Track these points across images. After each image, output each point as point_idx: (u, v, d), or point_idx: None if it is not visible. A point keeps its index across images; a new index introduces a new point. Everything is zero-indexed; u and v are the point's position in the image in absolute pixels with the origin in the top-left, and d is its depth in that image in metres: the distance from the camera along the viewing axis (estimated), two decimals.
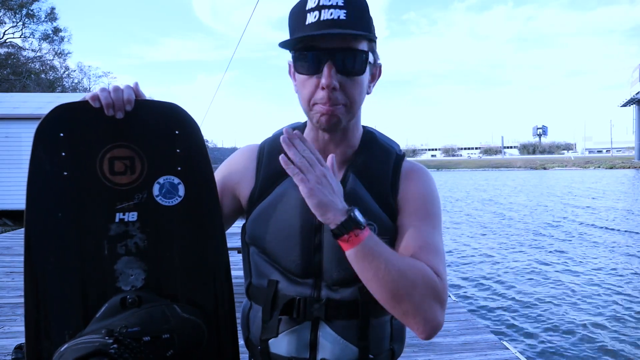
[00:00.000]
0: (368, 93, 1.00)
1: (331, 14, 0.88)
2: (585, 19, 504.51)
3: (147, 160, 0.97)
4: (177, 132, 0.99)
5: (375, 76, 1.02)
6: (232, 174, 1.07)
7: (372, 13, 0.95)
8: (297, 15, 0.93)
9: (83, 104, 0.93)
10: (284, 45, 0.93)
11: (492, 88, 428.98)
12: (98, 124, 0.94)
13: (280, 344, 0.98)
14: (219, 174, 1.09)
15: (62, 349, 0.88)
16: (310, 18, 0.89)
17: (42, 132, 0.94)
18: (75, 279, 0.96)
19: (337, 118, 0.93)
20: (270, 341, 0.99)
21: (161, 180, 0.98)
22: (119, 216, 0.97)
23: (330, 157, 0.92)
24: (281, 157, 0.84)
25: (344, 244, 0.86)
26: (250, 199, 1.03)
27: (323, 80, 0.89)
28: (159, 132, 0.98)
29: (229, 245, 1.07)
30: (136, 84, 0.96)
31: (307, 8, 0.90)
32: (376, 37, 0.96)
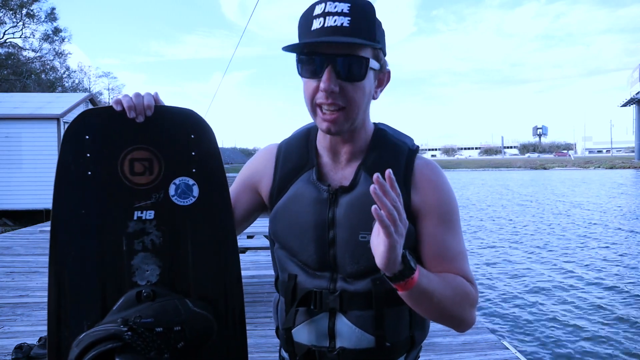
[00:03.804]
0: (374, 98, 1.03)
1: (335, 21, 0.91)
2: (617, 16, 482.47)
3: (164, 162, 1.04)
4: (192, 136, 1.05)
5: (382, 82, 1.04)
6: (253, 173, 1.14)
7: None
8: (305, 20, 0.97)
9: (107, 109, 1.01)
10: (288, 50, 0.97)
11: (506, 87, 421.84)
12: (120, 128, 1.01)
13: (301, 333, 1.05)
14: (243, 172, 1.16)
15: (81, 336, 0.94)
16: (316, 24, 0.93)
17: (69, 135, 1.01)
18: (95, 272, 1.02)
19: (338, 126, 0.97)
20: (293, 330, 1.05)
21: (177, 181, 1.04)
22: (137, 214, 1.03)
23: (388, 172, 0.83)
24: (374, 208, 0.79)
25: (398, 287, 0.88)
26: (271, 197, 1.10)
27: (322, 85, 0.93)
28: (176, 136, 1.04)
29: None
30: (156, 93, 1.03)
31: (314, 14, 0.94)
32: (380, 45, 0.98)
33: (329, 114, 0.96)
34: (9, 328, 3.96)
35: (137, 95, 1.00)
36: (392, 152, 1.05)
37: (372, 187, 0.79)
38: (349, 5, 0.93)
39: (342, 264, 1.01)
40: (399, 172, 1.01)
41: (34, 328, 3.91)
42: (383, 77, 1.04)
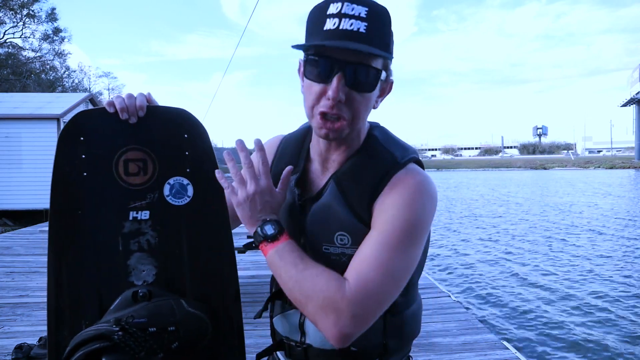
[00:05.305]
0: (375, 108, 0.97)
1: (351, 24, 0.85)
2: (617, 16, 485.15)
3: (158, 162, 1.04)
4: (185, 135, 1.05)
5: (385, 91, 0.98)
6: None
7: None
8: (317, 17, 0.90)
9: (101, 110, 1.01)
10: (298, 48, 0.91)
11: (506, 87, 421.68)
12: (114, 128, 1.02)
13: (278, 323, 1.09)
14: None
15: (75, 336, 0.94)
16: (329, 24, 0.86)
17: (64, 136, 1.02)
18: (92, 272, 1.03)
19: (338, 134, 0.93)
20: (274, 319, 1.10)
21: (171, 181, 1.05)
22: (132, 214, 1.03)
23: (286, 170, 1.01)
24: (217, 172, 1.00)
25: (261, 249, 0.96)
26: None
27: (330, 93, 0.87)
28: (170, 136, 1.05)
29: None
30: (149, 93, 1.03)
31: (328, 12, 0.87)
32: (392, 57, 0.93)
33: (330, 123, 0.91)
34: (9, 328, 3.96)
35: (130, 96, 1.01)
36: (372, 163, 0.97)
37: (225, 152, 0.96)
38: (367, 9, 0.86)
39: None
40: (370, 185, 0.95)
41: (34, 328, 3.91)
42: (386, 87, 0.98)
